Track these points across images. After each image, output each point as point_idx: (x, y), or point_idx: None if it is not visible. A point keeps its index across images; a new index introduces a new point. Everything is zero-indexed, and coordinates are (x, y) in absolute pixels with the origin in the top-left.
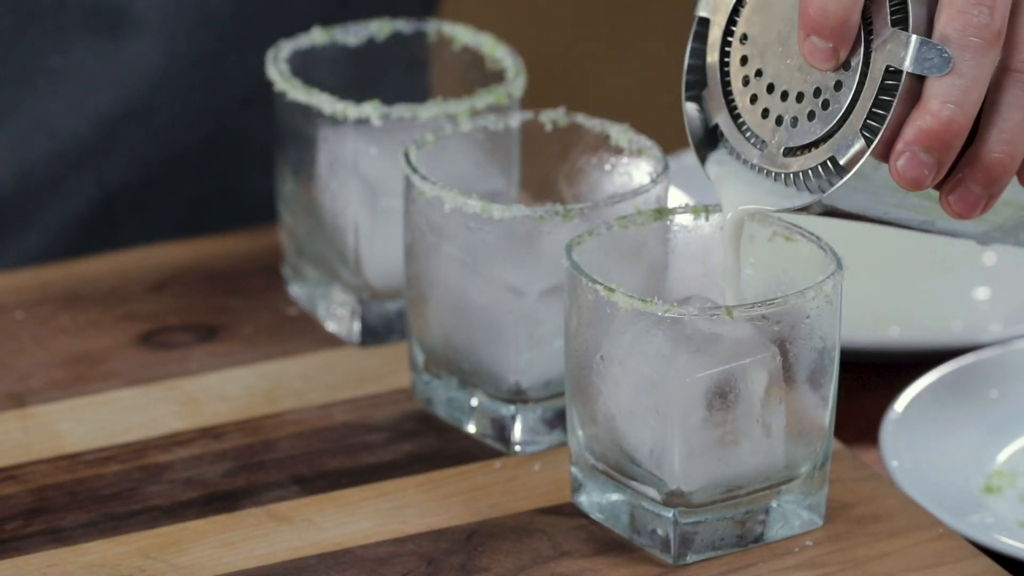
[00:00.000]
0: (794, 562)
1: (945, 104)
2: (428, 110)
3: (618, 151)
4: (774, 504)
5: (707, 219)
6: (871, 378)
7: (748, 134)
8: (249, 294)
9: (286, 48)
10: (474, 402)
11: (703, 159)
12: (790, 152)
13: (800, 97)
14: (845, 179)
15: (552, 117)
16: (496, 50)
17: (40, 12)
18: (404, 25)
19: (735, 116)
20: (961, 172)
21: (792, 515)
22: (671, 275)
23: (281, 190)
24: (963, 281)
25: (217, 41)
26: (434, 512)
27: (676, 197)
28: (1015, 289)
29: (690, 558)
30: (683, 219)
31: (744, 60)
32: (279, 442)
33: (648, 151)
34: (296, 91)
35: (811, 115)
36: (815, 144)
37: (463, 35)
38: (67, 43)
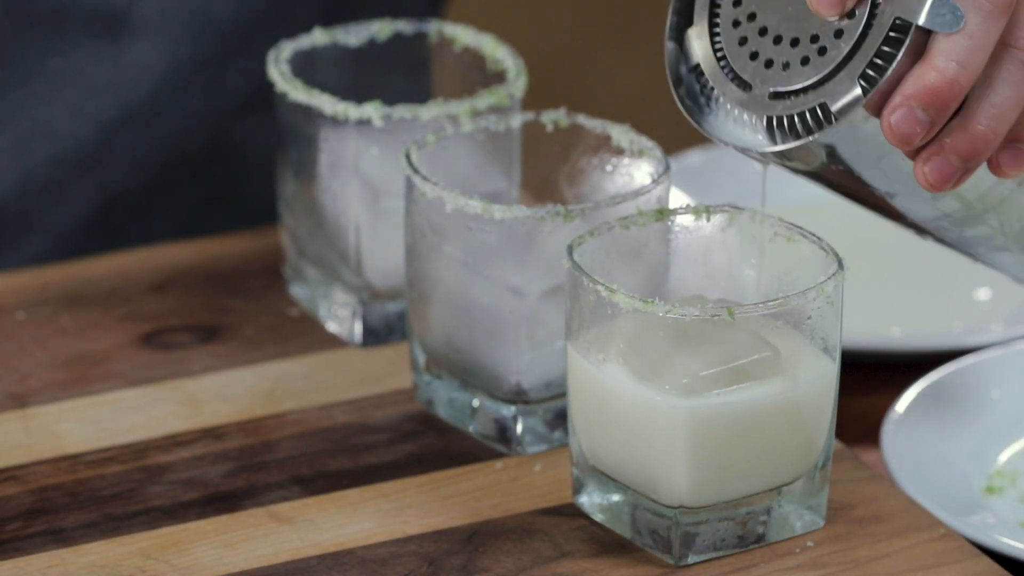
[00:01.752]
0: (795, 563)
1: (950, 62)
2: (429, 111)
3: (619, 152)
4: (775, 505)
5: (708, 220)
6: (872, 379)
7: (731, 76)
8: (250, 295)
9: (287, 49)
10: (475, 403)
11: (681, 99)
12: (777, 96)
13: (795, 42)
14: (836, 124)
15: (553, 118)
16: (497, 51)
17: (40, 16)
18: (405, 26)
19: (719, 58)
20: (943, 141)
21: (793, 516)
22: (672, 276)
23: (282, 191)
24: (964, 282)
25: (218, 46)
26: (435, 513)
27: (677, 198)
28: (1016, 290)
29: (691, 559)
30: (684, 220)
31: (737, 1)
32: (280, 443)
33: (649, 152)
34: (297, 92)
35: (805, 60)
36: (804, 91)
37: (464, 36)
38: (67, 47)
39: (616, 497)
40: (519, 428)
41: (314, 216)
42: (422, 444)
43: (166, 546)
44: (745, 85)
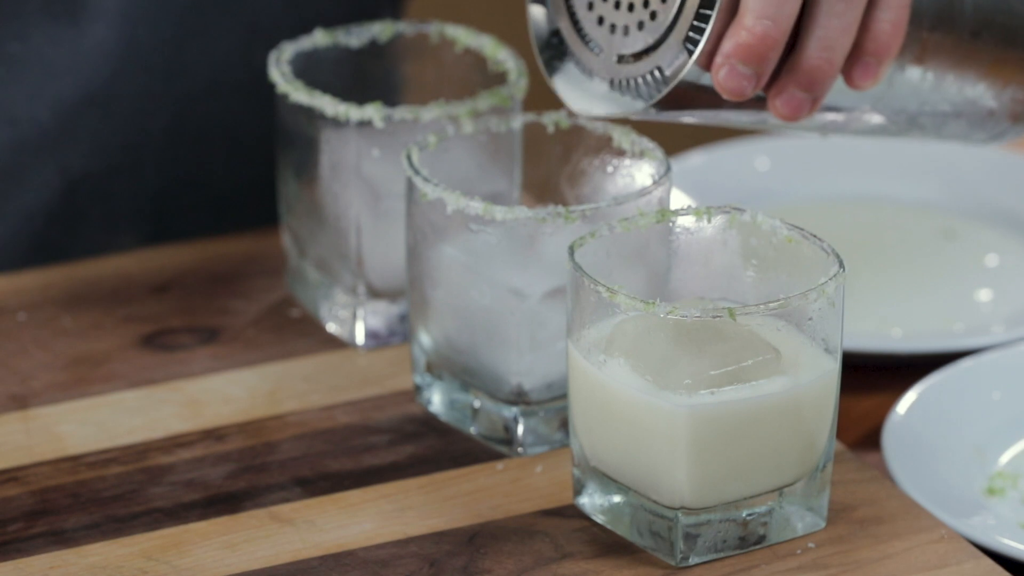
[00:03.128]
0: (796, 564)
1: (759, 19)
2: (430, 112)
3: (620, 153)
4: (776, 506)
5: (709, 221)
6: (873, 380)
7: (588, 40)
8: (251, 296)
9: (288, 50)
10: (476, 404)
11: (546, 64)
12: (622, 60)
13: (631, 7)
14: (667, 89)
15: (554, 119)
16: (498, 52)
17: None
18: (406, 27)
19: (575, 22)
20: (785, 78)
21: (794, 517)
22: (673, 277)
23: (283, 192)
24: (965, 283)
25: (177, 27)
26: (436, 514)
27: (678, 199)
28: (1017, 291)
29: (692, 560)
30: (685, 221)
31: None
32: (281, 444)
33: (650, 153)
34: (298, 93)
35: (640, 25)
36: (644, 53)
37: (465, 37)
38: (26, 30)
39: (617, 498)
40: (520, 429)
41: (315, 217)
42: (423, 445)
43: (167, 547)
44: (599, 49)
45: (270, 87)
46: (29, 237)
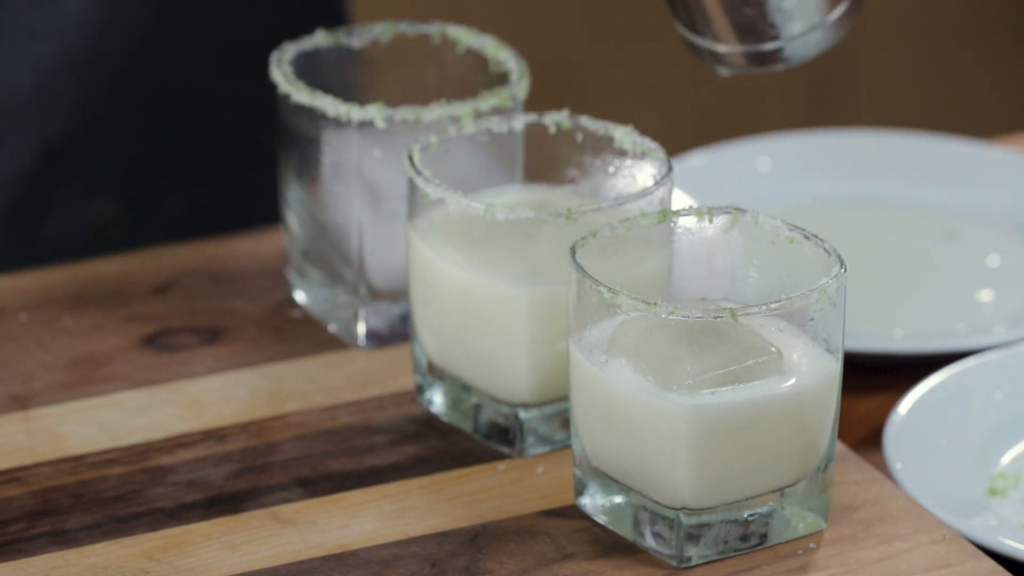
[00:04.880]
0: (797, 564)
1: None
2: (432, 112)
3: (622, 153)
4: (778, 506)
5: (711, 221)
6: (875, 380)
7: None
8: (253, 296)
9: (290, 51)
10: (477, 404)
11: None
12: None
13: None
14: None
15: (555, 119)
16: (500, 52)
17: None
18: (408, 27)
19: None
20: None
21: (796, 517)
22: (675, 277)
23: (285, 192)
24: (967, 283)
25: None
26: (438, 514)
27: (680, 199)
28: (1019, 291)
29: (694, 560)
30: (687, 221)
31: None
32: (283, 444)
33: (652, 153)
34: (300, 93)
35: None
36: None
37: (467, 37)
38: None
39: (619, 498)
40: (521, 430)
41: (316, 218)
42: (425, 445)
43: (169, 547)
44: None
45: (248, 54)
46: (7, 202)
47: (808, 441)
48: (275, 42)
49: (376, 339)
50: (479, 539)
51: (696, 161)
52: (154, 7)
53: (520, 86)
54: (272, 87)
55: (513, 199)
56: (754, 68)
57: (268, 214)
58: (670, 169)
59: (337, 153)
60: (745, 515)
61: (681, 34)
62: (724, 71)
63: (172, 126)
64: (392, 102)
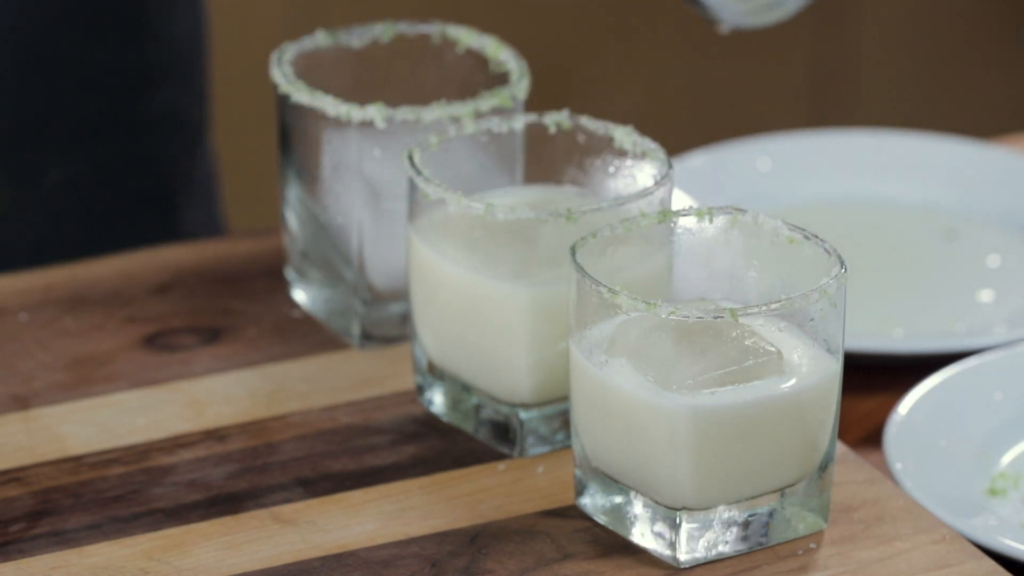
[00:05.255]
0: (798, 564)
1: None
2: (432, 112)
3: (622, 153)
4: (778, 506)
5: (711, 221)
6: (875, 380)
7: None
8: (253, 296)
9: (290, 51)
10: (478, 404)
11: None
12: None
13: None
14: None
15: (556, 119)
16: (500, 52)
17: None
18: (408, 27)
19: None
20: None
21: (796, 517)
22: (675, 277)
23: (285, 192)
24: (967, 283)
25: None
26: (438, 514)
27: (680, 199)
28: (1019, 292)
29: (694, 560)
30: (687, 221)
31: None
32: (283, 444)
33: (652, 153)
34: (300, 93)
35: None
36: None
37: (467, 37)
38: None
39: (619, 499)
40: (522, 430)
41: (316, 218)
42: (425, 446)
43: (169, 547)
44: None
45: (118, 20)
46: None
47: (808, 441)
48: (152, 10)
49: (376, 339)
50: (479, 539)
51: (696, 161)
52: None
53: (520, 86)
54: (273, 87)
55: (513, 199)
56: (751, 19)
57: (154, 183)
58: (670, 169)
59: (337, 153)
60: (745, 515)
61: None
62: (724, 28)
63: (43, 95)
64: (392, 102)
